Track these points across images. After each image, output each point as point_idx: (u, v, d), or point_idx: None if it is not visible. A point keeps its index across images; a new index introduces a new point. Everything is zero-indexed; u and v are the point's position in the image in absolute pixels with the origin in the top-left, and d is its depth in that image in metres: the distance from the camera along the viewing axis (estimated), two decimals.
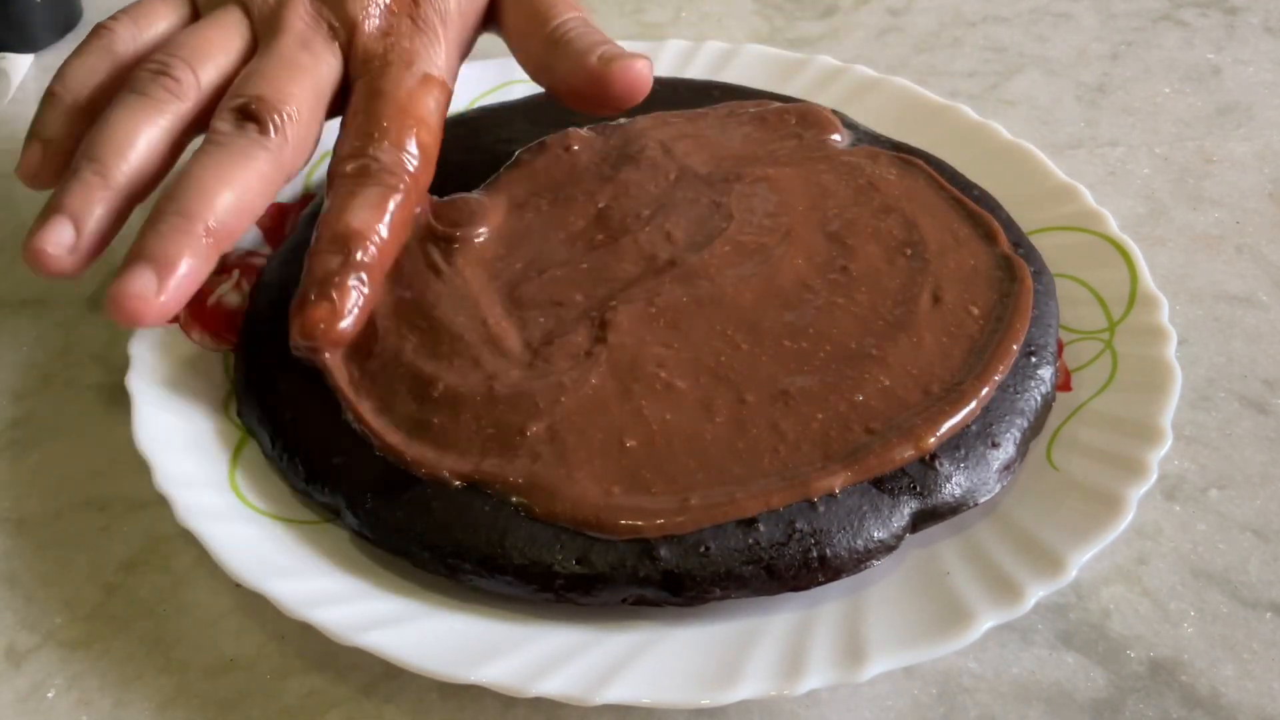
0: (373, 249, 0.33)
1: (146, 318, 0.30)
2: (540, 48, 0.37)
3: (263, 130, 0.33)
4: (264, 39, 0.35)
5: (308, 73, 0.35)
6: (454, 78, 0.37)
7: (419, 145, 0.35)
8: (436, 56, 0.36)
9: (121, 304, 0.30)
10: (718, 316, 0.34)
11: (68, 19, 0.55)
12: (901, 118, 0.43)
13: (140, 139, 0.32)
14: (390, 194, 0.34)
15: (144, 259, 0.31)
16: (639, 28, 0.55)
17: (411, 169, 0.34)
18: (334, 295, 0.32)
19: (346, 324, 0.32)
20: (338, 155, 0.35)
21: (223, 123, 0.33)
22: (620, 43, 0.46)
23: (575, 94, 0.36)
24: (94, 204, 0.32)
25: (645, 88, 0.35)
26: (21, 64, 0.52)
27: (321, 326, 0.32)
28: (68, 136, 0.34)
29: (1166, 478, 0.34)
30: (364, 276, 0.33)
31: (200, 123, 0.34)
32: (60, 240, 0.31)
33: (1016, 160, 0.40)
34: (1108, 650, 0.30)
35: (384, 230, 0.33)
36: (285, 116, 0.33)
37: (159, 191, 0.33)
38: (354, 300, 0.33)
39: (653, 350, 0.33)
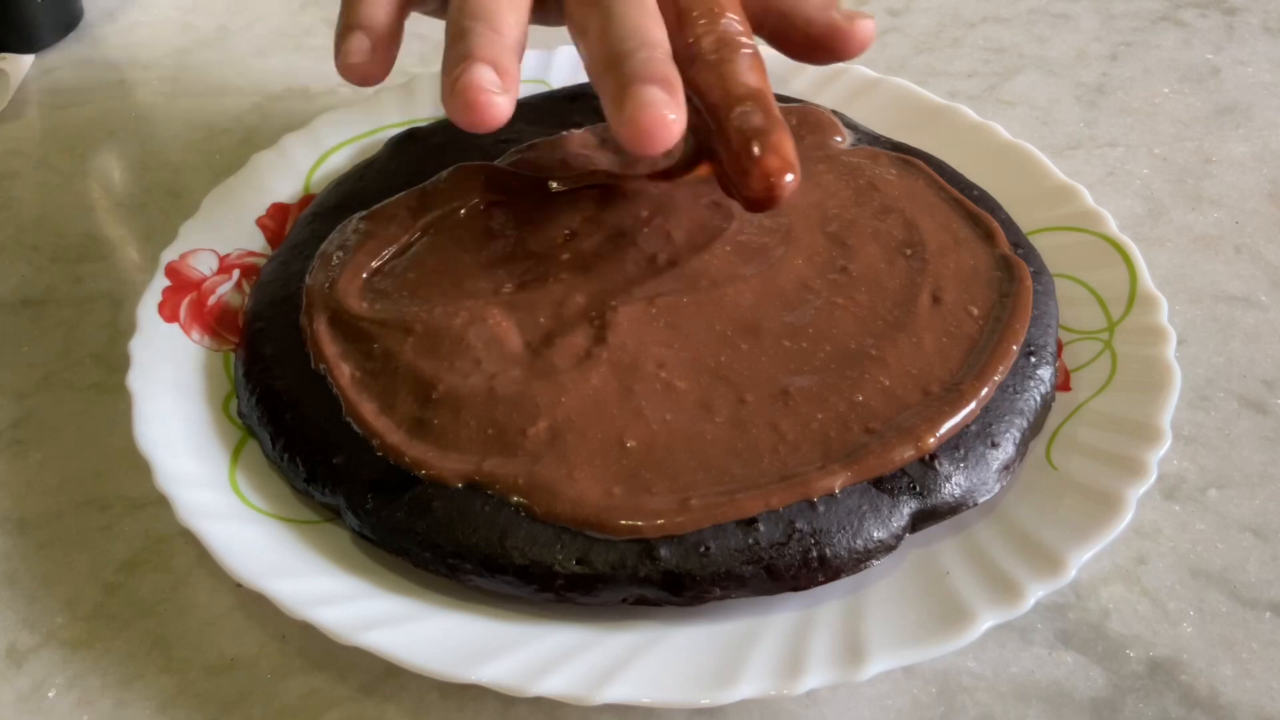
0: (773, 108, 0.33)
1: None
2: None
3: None
4: None
5: None
6: None
7: (740, 19, 0.35)
8: None
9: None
10: (718, 317, 0.34)
11: (68, 19, 0.55)
12: (901, 118, 0.43)
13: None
14: (753, 59, 0.34)
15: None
16: None
17: (749, 36, 0.35)
18: (778, 146, 0.32)
19: (791, 177, 0.32)
20: (691, 34, 0.34)
21: None
22: None
23: (812, 41, 0.36)
24: (505, 54, 0.31)
25: (869, 44, 0.36)
26: (22, 64, 0.52)
27: (780, 178, 0.31)
28: (394, 21, 0.34)
29: (1166, 477, 0.35)
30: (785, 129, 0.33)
31: None
32: (491, 83, 0.30)
33: (1016, 160, 0.40)
34: (1107, 650, 0.31)
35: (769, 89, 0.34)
36: None
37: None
38: (794, 151, 0.32)
39: (653, 350, 0.33)
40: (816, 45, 0.36)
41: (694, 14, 0.34)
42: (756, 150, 0.32)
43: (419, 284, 0.35)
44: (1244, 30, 0.54)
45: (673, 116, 0.30)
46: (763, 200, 0.32)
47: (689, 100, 0.32)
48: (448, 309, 0.34)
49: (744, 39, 0.34)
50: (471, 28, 0.32)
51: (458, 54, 0.31)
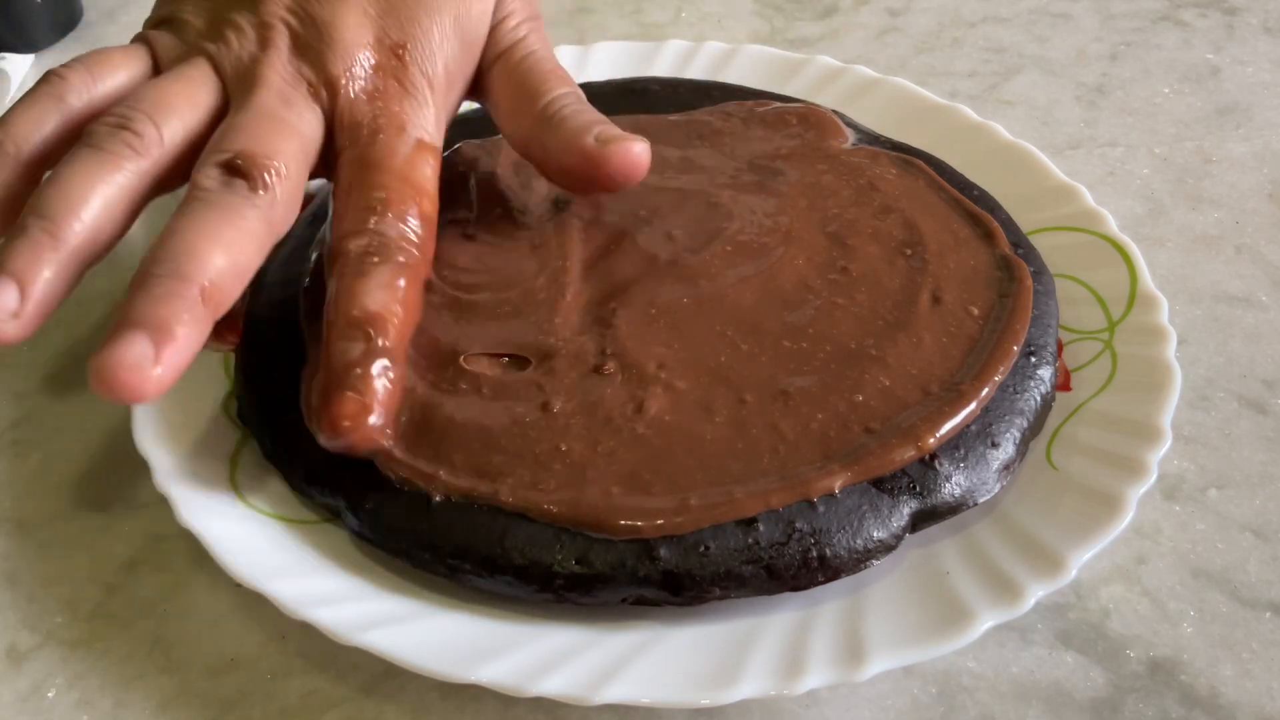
0: (393, 332, 0.30)
1: (141, 392, 0.27)
2: (531, 123, 0.35)
3: (252, 187, 0.30)
4: (239, 95, 0.33)
5: (292, 129, 0.32)
6: (442, 144, 0.35)
7: (422, 216, 0.33)
8: (426, 121, 0.34)
9: (114, 376, 0.27)
10: (718, 317, 0.34)
11: (68, 19, 0.55)
12: (901, 118, 0.43)
13: (96, 197, 0.30)
14: (402, 271, 0.31)
15: (136, 324, 0.27)
16: (639, 28, 0.55)
17: (418, 241, 0.32)
18: (360, 387, 0.29)
19: (375, 419, 0.30)
20: (338, 234, 0.32)
21: (207, 179, 0.30)
22: (620, 43, 0.47)
23: (567, 172, 0.35)
24: (43, 265, 0.29)
25: (642, 170, 0.34)
26: (21, 64, 0.52)
27: (347, 423, 0.29)
28: (12, 192, 0.31)
29: (1166, 477, 0.34)
30: (388, 363, 0.30)
31: (162, 183, 0.32)
32: (4, 305, 0.28)
33: (1016, 160, 0.40)
34: (1107, 650, 0.31)
35: (400, 310, 0.31)
36: (274, 173, 0.31)
37: (114, 254, 0.31)
38: (382, 390, 0.30)
39: (653, 350, 0.33)
40: (572, 175, 0.34)
41: (373, 204, 0.32)
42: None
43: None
44: (1244, 30, 0.54)
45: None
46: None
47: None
48: (441, 311, 0.34)
49: (396, 251, 0.32)
50: (25, 226, 0.29)
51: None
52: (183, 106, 0.32)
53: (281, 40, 0.33)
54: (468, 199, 0.39)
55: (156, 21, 0.35)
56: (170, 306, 0.28)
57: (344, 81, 0.33)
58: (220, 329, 0.37)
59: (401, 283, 0.31)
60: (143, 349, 0.27)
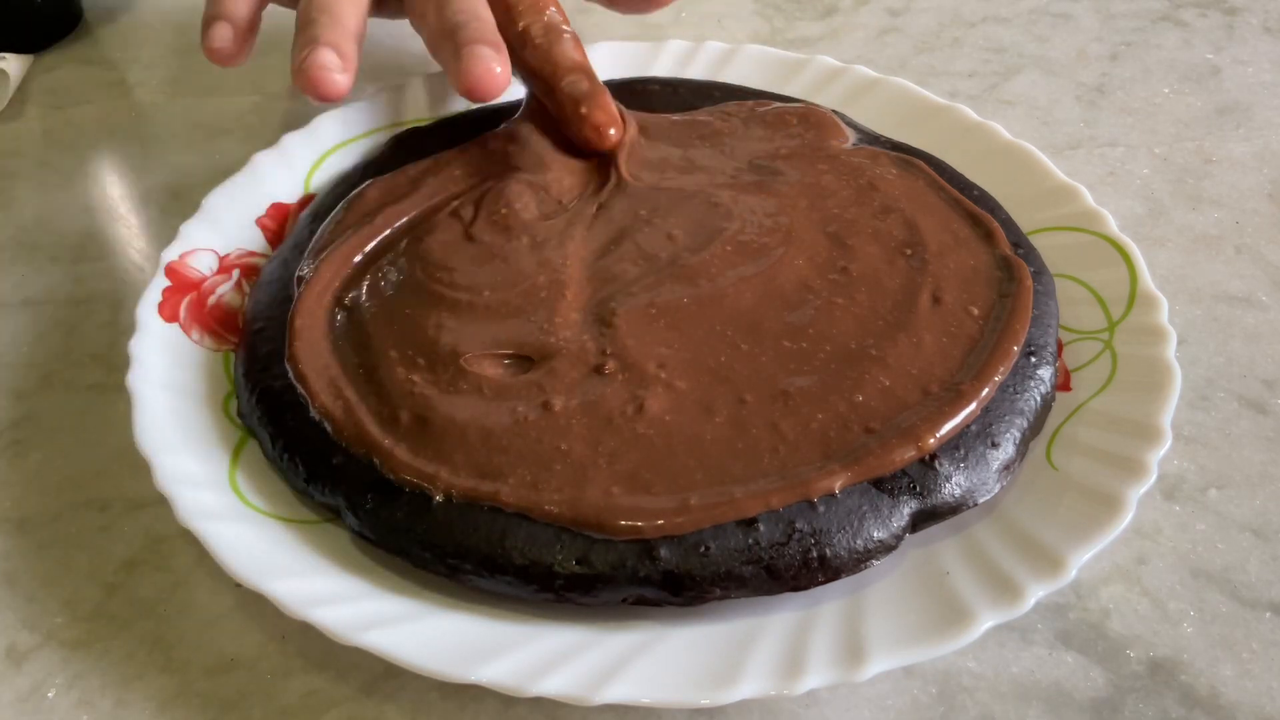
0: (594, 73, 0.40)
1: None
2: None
3: None
4: None
5: None
6: None
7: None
8: None
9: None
10: (718, 317, 0.34)
11: (68, 19, 0.55)
12: (901, 118, 0.43)
13: None
14: (575, 42, 0.41)
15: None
16: (639, 28, 0.55)
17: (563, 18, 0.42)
18: (602, 104, 0.39)
19: (614, 131, 0.39)
20: (523, 21, 0.41)
21: None
22: (620, 43, 0.47)
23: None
24: (344, 40, 0.38)
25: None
26: (21, 64, 0.52)
27: (613, 132, 0.39)
28: (252, 12, 0.40)
29: (1166, 478, 0.35)
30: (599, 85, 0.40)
31: None
32: (331, 63, 0.37)
33: (1016, 160, 0.40)
34: (1107, 650, 0.31)
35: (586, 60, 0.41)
36: None
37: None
38: (614, 110, 0.40)
39: (653, 350, 0.33)
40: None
41: (520, 8, 0.41)
42: (584, 110, 0.39)
43: (410, 287, 0.35)
44: (1244, 30, 0.54)
45: (499, 69, 0.37)
46: (595, 146, 0.39)
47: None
48: (442, 311, 0.34)
49: (564, 27, 0.41)
50: (316, 19, 0.38)
51: (304, 39, 0.37)
52: None
53: None
54: (469, 198, 0.39)
55: None
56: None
57: None
58: (220, 329, 0.37)
59: (580, 47, 0.41)
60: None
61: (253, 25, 0.40)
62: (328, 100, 0.37)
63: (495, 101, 0.45)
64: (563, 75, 0.40)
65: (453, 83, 0.38)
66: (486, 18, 0.39)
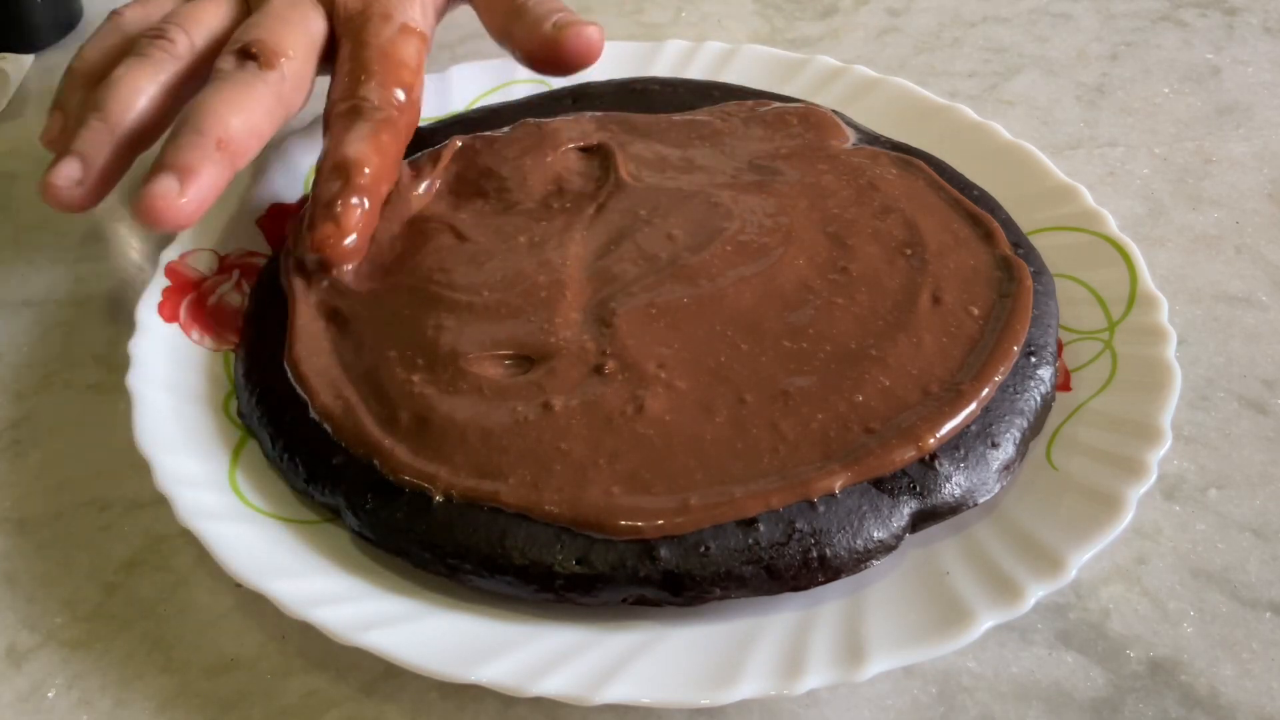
0: (369, 173, 0.36)
1: (171, 218, 0.33)
2: (503, 14, 0.41)
3: (263, 66, 0.36)
4: (256, 5, 0.39)
5: (299, 25, 0.38)
6: (431, 31, 0.41)
7: (403, 85, 0.38)
8: (412, 10, 0.40)
9: (149, 205, 0.33)
10: (718, 317, 0.34)
11: (68, 19, 0.55)
12: (901, 118, 0.43)
13: (140, 93, 0.36)
14: (382, 126, 0.37)
15: (166, 168, 0.34)
16: (639, 28, 0.55)
17: (397, 104, 0.37)
18: (338, 214, 0.35)
19: (350, 240, 0.35)
20: (330, 100, 0.38)
21: (225, 63, 0.36)
22: (620, 43, 0.47)
23: (532, 58, 0.40)
24: (100, 145, 0.35)
25: (596, 52, 0.39)
26: (21, 64, 0.52)
27: (331, 241, 0.35)
28: (84, 104, 0.37)
29: (1166, 477, 0.34)
30: (364, 199, 0.36)
31: (195, 78, 0.38)
32: (70, 175, 0.35)
33: (1016, 160, 0.40)
34: (1107, 650, 0.31)
35: (377, 157, 0.36)
36: (283, 56, 0.37)
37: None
38: (356, 218, 0.35)
39: (653, 350, 0.33)
40: (537, 60, 0.40)
41: (360, 74, 0.38)
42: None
43: (410, 287, 0.35)
44: (1244, 30, 0.54)
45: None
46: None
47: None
48: (441, 311, 0.34)
49: (376, 110, 0.37)
50: (85, 119, 0.36)
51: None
52: (209, 19, 0.39)
53: None
54: (469, 198, 0.39)
55: None
56: (192, 152, 0.34)
57: None
58: (220, 329, 0.37)
59: (383, 136, 0.37)
60: (170, 184, 0.33)
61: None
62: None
63: (495, 102, 0.45)
64: (320, 175, 0.37)
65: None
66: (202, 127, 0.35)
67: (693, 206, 0.37)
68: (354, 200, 0.35)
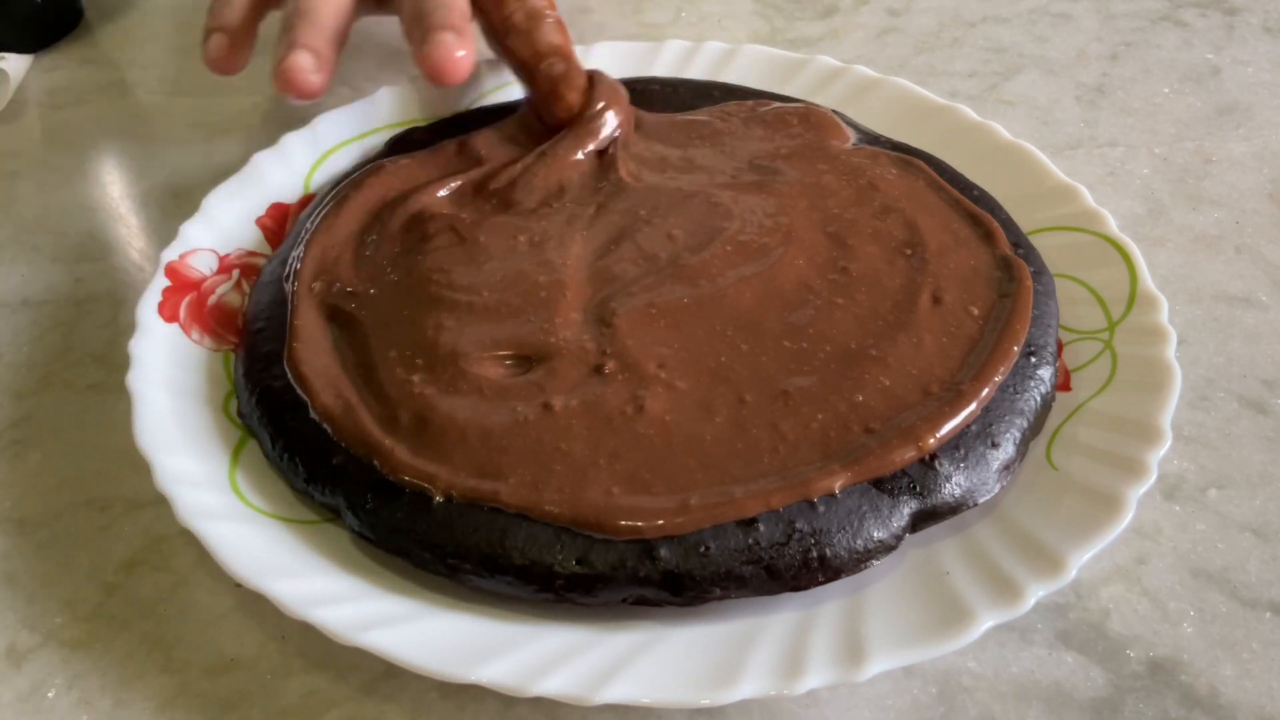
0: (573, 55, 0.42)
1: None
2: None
3: None
4: None
5: None
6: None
7: None
8: None
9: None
10: (718, 317, 0.34)
11: (68, 19, 0.55)
12: (901, 118, 0.43)
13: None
14: (559, 23, 0.42)
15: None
16: (639, 28, 0.55)
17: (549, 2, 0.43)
18: (576, 81, 0.41)
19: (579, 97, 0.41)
20: (508, 8, 0.42)
21: None
22: (620, 43, 0.47)
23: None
24: (319, 38, 0.39)
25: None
26: (21, 64, 0.52)
27: (580, 99, 0.41)
28: (247, 23, 0.42)
29: (1166, 478, 0.34)
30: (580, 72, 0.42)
31: None
32: (305, 64, 0.39)
33: (1016, 160, 0.40)
34: (1107, 650, 0.31)
35: (568, 45, 0.42)
36: None
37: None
38: (584, 85, 0.41)
39: (653, 350, 0.33)
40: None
41: None
42: (562, 90, 0.41)
43: (409, 287, 0.35)
44: (1244, 30, 0.54)
45: (461, 53, 0.39)
46: (564, 121, 0.41)
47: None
48: (441, 311, 0.34)
49: (548, 11, 0.42)
50: (296, 23, 0.40)
51: (284, 43, 0.39)
52: None
53: None
54: (468, 199, 0.39)
55: None
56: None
57: None
58: (220, 329, 0.37)
59: (561, 29, 0.42)
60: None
61: (248, 34, 0.42)
62: (305, 99, 0.39)
63: (494, 102, 0.45)
64: (541, 58, 0.41)
65: (417, 64, 0.39)
66: (456, 3, 0.40)
67: (693, 206, 0.37)
68: (578, 70, 0.41)
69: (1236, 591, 0.32)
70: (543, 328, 0.33)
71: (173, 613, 0.32)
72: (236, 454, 0.33)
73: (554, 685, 0.27)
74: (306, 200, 0.41)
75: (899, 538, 0.30)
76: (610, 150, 0.40)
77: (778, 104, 0.42)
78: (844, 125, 0.41)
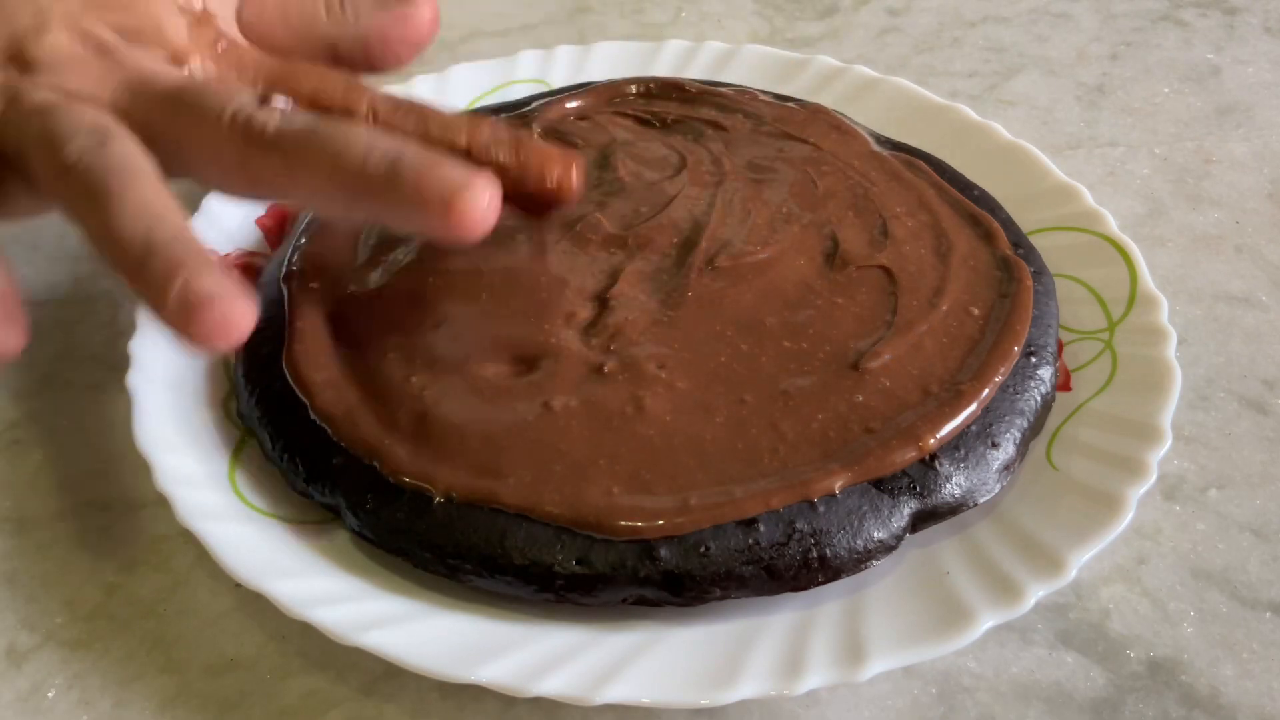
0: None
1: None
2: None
3: None
4: None
5: None
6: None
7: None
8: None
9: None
10: (718, 317, 0.34)
11: None
12: (901, 118, 0.43)
13: None
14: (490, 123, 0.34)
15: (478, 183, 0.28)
16: (639, 28, 0.55)
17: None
18: (568, 160, 0.33)
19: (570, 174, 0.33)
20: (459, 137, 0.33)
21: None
22: (620, 43, 0.47)
23: (368, 54, 0.36)
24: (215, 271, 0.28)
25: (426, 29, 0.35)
26: None
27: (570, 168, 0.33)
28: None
29: (1166, 478, 0.34)
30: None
31: None
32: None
33: (1016, 160, 0.40)
34: (1107, 650, 0.31)
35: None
36: None
37: None
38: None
39: (653, 350, 0.33)
40: (372, 55, 0.35)
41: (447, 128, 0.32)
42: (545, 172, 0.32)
43: (410, 287, 0.35)
44: (1244, 30, 0.54)
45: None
46: (557, 197, 0.32)
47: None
48: (441, 311, 0.34)
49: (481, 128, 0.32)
50: (163, 248, 0.28)
51: (171, 280, 0.27)
52: None
53: None
54: None
55: None
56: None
57: None
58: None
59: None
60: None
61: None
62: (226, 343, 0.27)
63: (495, 101, 0.45)
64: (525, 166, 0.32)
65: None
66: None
67: (693, 206, 0.37)
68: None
69: (1237, 591, 0.32)
70: (543, 328, 0.33)
71: (172, 613, 0.32)
72: (236, 454, 0.33)
73: (554, 685, 0.27)
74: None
75: (899, 538, 0.30)
76: (610, 150, 0.40)
77: (782, 104, 0.42)
78: (855, 127, 0.41)
